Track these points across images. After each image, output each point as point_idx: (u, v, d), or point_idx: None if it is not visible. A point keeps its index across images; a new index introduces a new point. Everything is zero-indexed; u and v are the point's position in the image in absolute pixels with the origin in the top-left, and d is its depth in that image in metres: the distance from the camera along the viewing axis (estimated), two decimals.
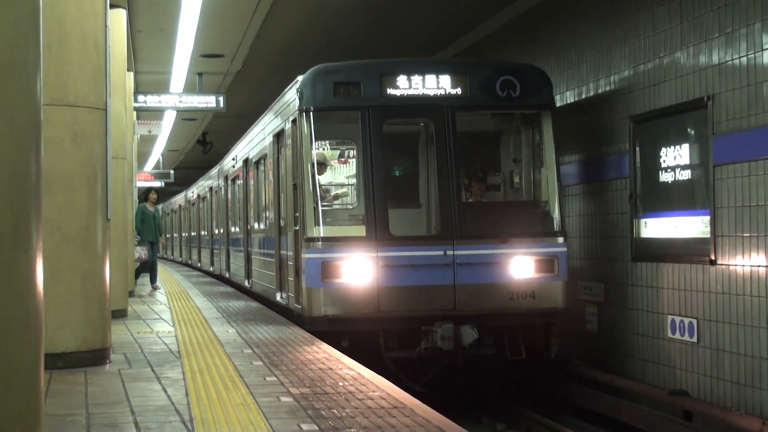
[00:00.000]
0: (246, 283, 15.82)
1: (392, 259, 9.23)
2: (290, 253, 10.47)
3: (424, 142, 10.98)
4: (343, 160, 12.76)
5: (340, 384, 6.30)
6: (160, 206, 16.63)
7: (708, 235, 8.56)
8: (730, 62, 8.23)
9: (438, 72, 9.71)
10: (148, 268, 16.50)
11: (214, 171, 23.44)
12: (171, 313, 12.28)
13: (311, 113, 9.67)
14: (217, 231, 22.10)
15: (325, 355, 7.77)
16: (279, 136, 11.70)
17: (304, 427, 4.97)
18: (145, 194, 16.63)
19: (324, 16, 13.48)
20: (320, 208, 9.55)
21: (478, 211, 9.85)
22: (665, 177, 9.31)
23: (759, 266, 7.84)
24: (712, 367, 8.56)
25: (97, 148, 7.24)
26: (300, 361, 7.44)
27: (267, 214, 13.13)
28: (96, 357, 7.33)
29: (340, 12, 13.27)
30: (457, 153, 9.60)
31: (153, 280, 16.82)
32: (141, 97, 17.41)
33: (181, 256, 34.34)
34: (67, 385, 6.44)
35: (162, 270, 25.84)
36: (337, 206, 11.52)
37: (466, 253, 9.34)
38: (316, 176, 9.80)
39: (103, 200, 7.23)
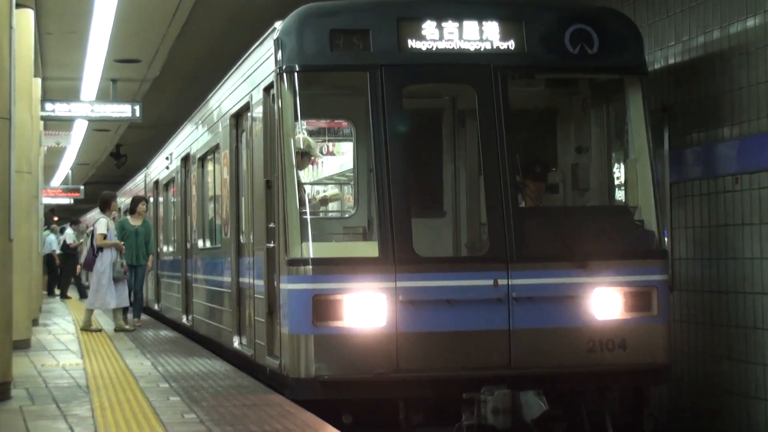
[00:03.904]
0: (184, 320, 15.55)
1: (418, 291, 8.40)
2: (257, 282, 9.77)
3: (449, 123, 10.63)
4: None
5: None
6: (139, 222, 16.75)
7: None
8: None
9: (482, 16, 8.94)
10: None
11: (139, 178, 23.87)
12: (79, 343, 13.04)
13: (296, 74, 8.70)
14: None
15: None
16: (240, 115, 10.91)
17: None
18: (131, 205, 16.48)
19: (255, 12, 13.72)
20: (309, 216, 8.69)
21: (542, 222, 8.94)
22: None
23: None
24: None
25: None
26: (222, 395, 7.81)
27: (218, 227, 12.66)
28: None
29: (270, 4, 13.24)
30: (510, 137, 8.69)
31: (136, 311, 16.42)
32: (49, 105, 18.42)
33: (87, 280, 33.99)
34: None
35: (75, 297, 27.31)
36: (329, 214, 11.18)
37: (526, 283, 8.52)
38: (300, 171, 9.31)
39: (5, 219, 7.60)
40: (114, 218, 17.07)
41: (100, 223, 15.22)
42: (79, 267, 25.69)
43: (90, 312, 15.59)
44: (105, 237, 15.02)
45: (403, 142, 8.56)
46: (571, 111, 10.26)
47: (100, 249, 15.07)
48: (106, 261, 14.93)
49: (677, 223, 10.11)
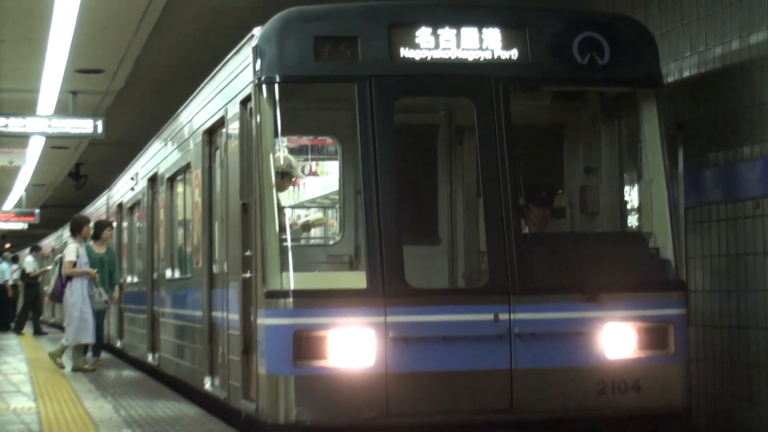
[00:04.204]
0: (149, 358, 15.58)
1: (410, 327, 8.43)
2: (231, 317, 9.83)
3: (446, 140, 10.69)
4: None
5: None
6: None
7: None
8: None
9: (482, 23, 9.00)
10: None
11: (101, 201, 23.97)
12: (32, 384, 13.02)
13: (277, 85, 8.80)
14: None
15: None
16: (214, 131, 10.98)
17: None
18: (95, 231, 16.38)
19: (231, 17, 13.90)
20: (290, 243, 8.74)
21: (548, 250, 8.90)
22: None
23: None
24: None
25: None
26: None
27: (189, 256, 12.75)
28: None
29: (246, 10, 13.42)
30: (512, 156, 8.77)
31: (97, 350, 16.25)
32: (2, 120, 18.38)
33: (53, 315, 35.27)
34: None
35: (29, 332, 27.47)
36: (312, 241, 11.35)
37: (530, 318, 8.55)
38: (280, 193, 9.48)
39: None
40: None
41: (69, 249, 15.07)
42: (46, 299, 25.69)
43: (73, 348, 15.32)
44: (74, 264, 14.84)
45: (394, 161, 8.60)
46: (579, 127, 10.34)
47: (69, 278, 14.89)
48: (76, 292, 14.79)
49: (693, 252, 10.16)
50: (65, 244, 15.66)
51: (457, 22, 8.86)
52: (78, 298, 14.69)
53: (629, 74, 9.15)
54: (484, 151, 8.78)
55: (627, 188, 10.22)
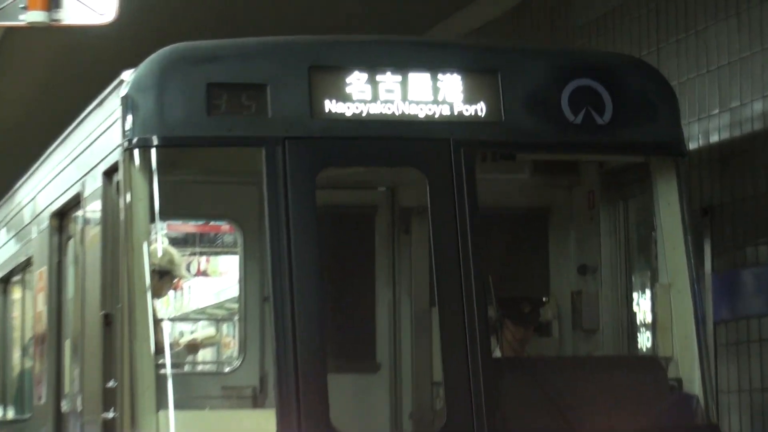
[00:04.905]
0: None
1: None
2: None
3: (386, 228, 10.96)
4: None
5: None
6: None
7: None
8: None
9: (438, 65, 9.06)
10: None
11: None
12: None
13: (154, 150, 8.80)
14: None
15: None
16: (66, 214, 10.99)
17: None
18: None
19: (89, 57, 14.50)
20: (170, 370, 8.77)
21: (527, 381, 8.98)
22: None
23: None
24: None
25: None
26: None
27: (27, 388, 12.66)
28: None
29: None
30: (478, 249, 8.79)
31: None
32: None
33: None
34: None
35: None
36: (202, 367, 11.58)
37: None
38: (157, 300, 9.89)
39: None
40: None
41: None
42: None
43: None
44: None
45: (316, 257, 8.58)
46: (571, 211, 10.44)
47: None
48: None
49: (725, 384, 10.25)
50: None
51: (403, 65, 8.87)
52: None
53: (639, 137, 9.17)
54: (440, 242, 8.75)
55: (637, 295, 10.35)
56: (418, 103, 8.89)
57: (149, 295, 8.62)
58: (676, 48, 11.05)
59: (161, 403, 8.41)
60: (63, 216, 10.99)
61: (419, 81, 8.91)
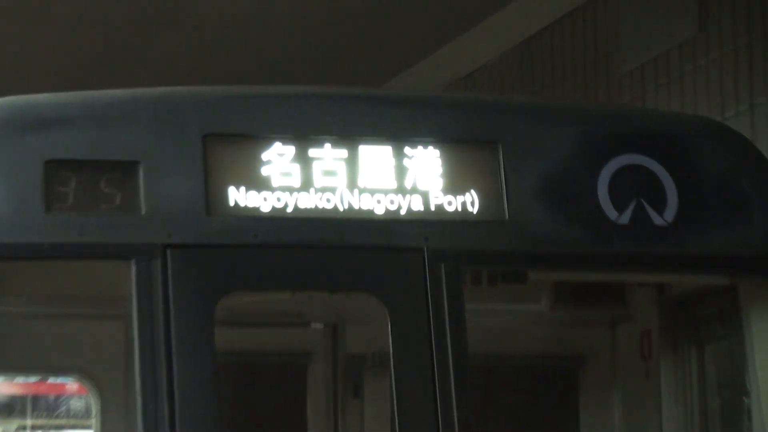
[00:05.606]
0: None
1: None
2: None
3: (323, 385, 10.31)
4: None
5: None
6: None
7: None
8: None
9: (405, 130, 7.85)
10: None
11: None
12: None
13: None
14: None
15: None
16: None
17: None
18: None
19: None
20: None
21: None
22: None
23: None
24: None
25: None
26: None
27: None
28: None
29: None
30: (466, 415, 7.69)
31: None
32: None
33: None
34: None
35: None
36: None
37: None
38: None
39: None
40: None
41: None
42: None
43: None
44: None
45: (215, 428, 7.34)
46: (614, 362, 9.59)
47: None
48: None
49: None
50: None
51: (352, 132, 7.49)
52: None
53: (721, 246, 7.90)
54: (409, 410, 7.44)
55: None
56: (374, 192, 7.43)
57: None
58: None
59: None
60: None
61: (376, 157, 7.45)
